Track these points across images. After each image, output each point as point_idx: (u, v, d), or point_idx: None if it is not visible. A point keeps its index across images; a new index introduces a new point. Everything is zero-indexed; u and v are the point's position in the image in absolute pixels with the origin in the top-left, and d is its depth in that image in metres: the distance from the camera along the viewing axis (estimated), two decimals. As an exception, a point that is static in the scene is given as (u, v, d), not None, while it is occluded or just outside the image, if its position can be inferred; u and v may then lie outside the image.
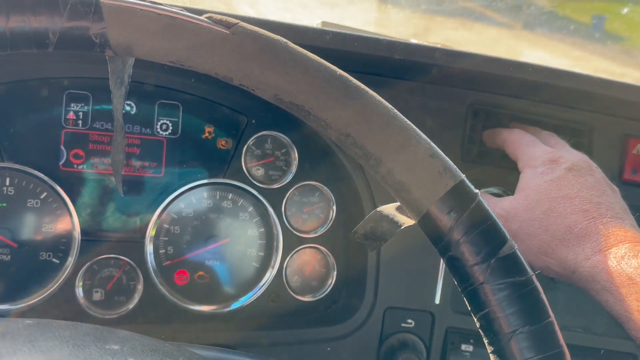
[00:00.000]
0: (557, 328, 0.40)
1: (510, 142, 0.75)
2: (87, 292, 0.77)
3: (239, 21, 0.41)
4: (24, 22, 0.38)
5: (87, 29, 0.39)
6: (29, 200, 0.74)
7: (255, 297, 0.82)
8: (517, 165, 0.82)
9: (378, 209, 0.46)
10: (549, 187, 0.65)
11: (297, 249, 0.84)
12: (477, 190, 0.41)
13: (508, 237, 0.41)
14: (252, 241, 0.83)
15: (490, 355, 0.40)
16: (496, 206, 0.69)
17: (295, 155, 0.83)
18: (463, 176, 0.41)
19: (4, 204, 0.73)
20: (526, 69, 0.76)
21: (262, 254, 0.83)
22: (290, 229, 0.84)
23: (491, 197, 0.73)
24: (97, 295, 0.77)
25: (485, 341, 0.40)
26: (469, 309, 0.41)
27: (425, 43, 0.77)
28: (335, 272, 0.86)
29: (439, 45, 0.78)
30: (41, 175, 0.74)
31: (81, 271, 0.76)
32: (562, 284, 0.85)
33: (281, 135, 0.83)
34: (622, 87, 0.79)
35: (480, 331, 0.41)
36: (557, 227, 0.63)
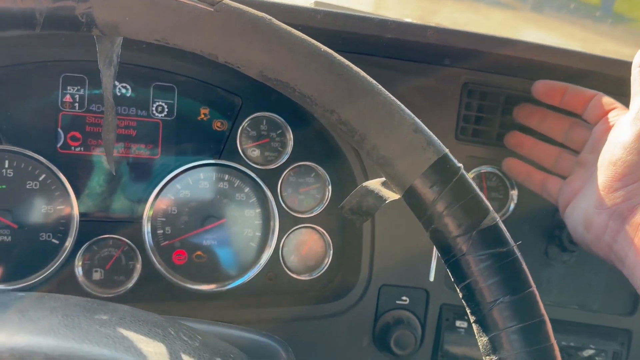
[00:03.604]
0: (538, 298, 0.41)
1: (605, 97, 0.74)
2: (87, 272, 0.78)
3: (223, -2, 0.41)
4: (10, 2, 0.39)
5: (73, 9, 0.39)
6: (27, 182, 0.75)
7: (252, 276, 0.84)
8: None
9: (364, 184, 0.47)
10: None
11: (293, 229, 0.85)
12: (460, 164, 0.42)
13: (490, 209, 0.41)
14: (249, 221, 0.84)
15: (473, 324, 0.41)
16: None
17: (290, 136, 0.84)
18: (446, 150, 0.42)
19: (4, 186, 0.74)
20: (519, 47, 0.75)
21: (258, 234, 0.84)
22: (287, 209, 0.85)
23: None
24: (97, 275, 0.79)
25: (468, 311, 0.41)
26: (452, 280, 0.42)
27: (419, 22, 0.77)
28: (331, 252, 0.87)
29: (432, 24, 0.78)
30: (39, 157, 0.75)
31: (80, 251, 0.77)
32: (557, 261, 0.86)
33: (276, 116, 0.84)
34: (627, 66, 0.78)
35: (463, 301, 0.42)
36: None
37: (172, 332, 0.37)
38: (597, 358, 0.87)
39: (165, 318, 0.40)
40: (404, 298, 0.82)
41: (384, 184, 0.46)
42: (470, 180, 0.42)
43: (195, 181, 0.81)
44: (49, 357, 0.30)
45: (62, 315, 0.34)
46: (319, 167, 0.86)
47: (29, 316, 0.33)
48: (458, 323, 0.83)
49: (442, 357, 0.83)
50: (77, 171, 0.77)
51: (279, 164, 0.84)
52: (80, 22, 0.40)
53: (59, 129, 0.76)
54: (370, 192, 0.47)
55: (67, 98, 0.77)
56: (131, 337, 0.34)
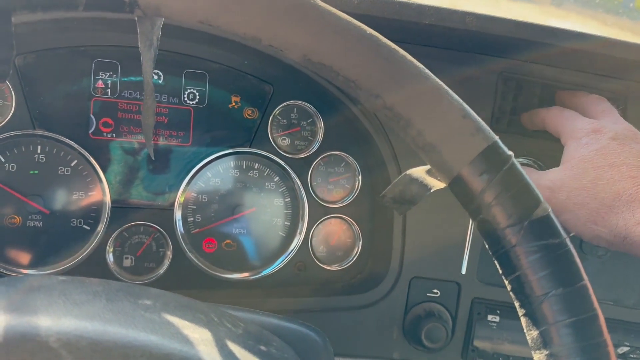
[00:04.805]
0: (591, 291, 0.39)
1: (550, 119, 0.74)
2: (118, 258, 0.78)
3: (268, -21, 0.40)
4: (54, -18, 0.38)
5: (116, -12, 0.39)
6: (59, 168, 0.75)
7: (281, 265, 0.83)
8: (548, 135, 0.80)
9: (407, 172, 0.46)
10: (594, 157, 0.65)
11: (322, 218, 0.84)
12: (510, 152, 0.40)
13: (542, 199, 0.40)
14: (278, 211, 0.83)
15: (522, 318, 0.40)
16: (541, 178, 0.68)
17: (321, 124, 0.83)
18: (496, 137, 0.40)
19: (36, 172, 0.75)
20: (559, 35, 0.73)
21: (288, 223, 0.84)
22: (316, 198, 0.84)
23: (534, 170, 0.73)
24: (127, 262, 0.79)
25: (517, 304, 0.40)
26: (500, 272, 0.41)
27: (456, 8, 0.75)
28: (360, 242, 0.86)
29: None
30: (71, 143, 0.75)
31: (111, 238, 0.77)
32: (592, 255, 0.84)
33: (307, 104, 0.83)
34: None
35: (511, 294, 0.40)
36: (605, 195, 0.63)
37: (216, 319, 0.36)
38: (632, 355, 0.85)
39: (206, 305, 0.39)
40: (435, 291, 0.81)
41: (428, 171, 0.45)
42: (521, 169, 0.40)
43: (225, 169, 0.81)
44: (96, 341, 0.30)
45: (106, 300, 0.34)
46: (349, 157, 0.85)
47: (73, 300, 0.33)
48: (490, 317, 0.81)
49: (472, 351, 0.82)
50: (109, 157, 0.77)
51: (309, 153, 0.83)
52: (123, 2, 0.39)
53: (91, 115, 0.76)
54: (414, 180, 0.45)
55: (100, 84, 0.76)
56: (176, 323, 0.33)
